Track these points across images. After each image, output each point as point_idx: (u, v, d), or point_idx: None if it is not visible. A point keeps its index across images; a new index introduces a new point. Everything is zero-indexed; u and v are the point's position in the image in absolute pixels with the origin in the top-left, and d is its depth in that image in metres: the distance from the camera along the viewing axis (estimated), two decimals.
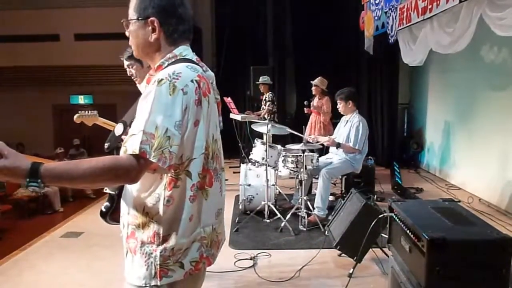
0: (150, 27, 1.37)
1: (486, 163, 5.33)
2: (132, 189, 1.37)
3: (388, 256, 2.61)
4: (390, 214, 2.49)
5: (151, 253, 1.32)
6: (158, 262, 1.31)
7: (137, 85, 1.91)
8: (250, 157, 4.80)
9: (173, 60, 1.38)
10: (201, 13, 9.38)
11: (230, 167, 7.34)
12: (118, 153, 1.27)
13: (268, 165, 4.48)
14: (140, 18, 1.37)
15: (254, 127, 4.89)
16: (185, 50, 1.42)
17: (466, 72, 5.99)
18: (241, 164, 5.35)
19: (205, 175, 1.37)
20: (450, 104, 6.63)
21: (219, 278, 3.21)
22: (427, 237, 1.90)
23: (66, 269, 3.55)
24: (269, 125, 4.54)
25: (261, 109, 6.96)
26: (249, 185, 4.73)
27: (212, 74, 1.53)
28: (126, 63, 3.01)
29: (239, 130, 7.16)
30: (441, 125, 6.82)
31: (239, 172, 5.19)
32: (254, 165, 4.76)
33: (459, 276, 1.91)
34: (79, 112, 2.21)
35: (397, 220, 2.35)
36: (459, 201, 4.78)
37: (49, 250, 4.02)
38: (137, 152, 1.17)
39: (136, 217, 1.36)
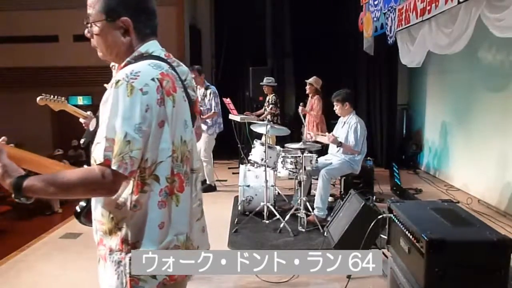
0: (120, 27, 1.30)
1: (485, 164, 5.33)
2: None
3: (387, 257, 2.61)
4: (389, 215, 2.49)
5: (120, 261, 1.26)
6: (128, 271, 1.25)
7: (105, 85, 1.90)
8: (249, 158, 4.80)
9: (138, 58, 1.31)
10: (200, 14, 9.38)
11: (229, 168, 7.35)
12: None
13: (267, 166, 4.48)
14: (109, 19, 1.28)
15: (253, 128, 4.89)
16: (152, 46, 1.35)
17: (465, 73, 6.00)
18: (240, 165, 5.36)
19: (174, 180, 1.30)
20: (448, 105, 6.64)
21: (218, 280, 3.21)
22: (426, 238, 1.90)
23: (65, 270, 3.55)
24: (268, 126, 4.54)
25: (264, 110, 6.96)
26: (248, 186, 4.73)
27: (186, 69, 1.46)
28: None
29: (238, 131, 7.16)
30: (440, 126, 6.82)
31: (238, 173, 5.19)
32: (253, 166, 4.76)
33: (458, 277, 1.91)
34: (43, 94, 2.18)
35: (396, 221, 2.35)
36: (458, 202, 4.82)
37: (48, 251, 4.01)
38: (101, 160, 1.14)
39: (103, 222, 1.30)
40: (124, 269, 1.25)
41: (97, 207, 1.32)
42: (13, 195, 1.15)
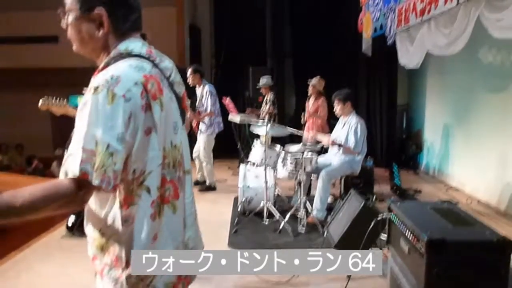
0: (95, 20, 1.19)
1: (484, 164, 5.33)
2: (89, 206, 1.24)
3: (387, 257, 2.61)
4: (389, 215, 2.50)
5: (118, 278, 1.19)
6: None
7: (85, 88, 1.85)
8: (249, 158, 4.80)
9: (117, 58, 1.20)
10: (200, 14, 9.38)
11: (229, 168, 7.35)
12: None
13: (267, 166, 4.48)
14: (83, 9, 1.19)
15: (253, 128, 4.89)
16: (131, 43, 1.23)
17: (464, 74, 6.00)
18: (240, 165, 5.36)
19: (168, 188, 1.23)
20: (448, 106, 6.64)
21: (219, 279, 3.22)
22: (426, 238, 1.91)
23: (66, 270, 3.54)
24: (268, 126, 4.54)
25: (261, 109, 6.95)
26: (248, 186, 4.73)
27: (170, 65, 1.33)
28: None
29: (238, 131, 7.16)
30: (440, 127, 6.83)
31: (238, 173, 5.19)
32: (253, 166, 4.76)
33: (458, 277, 1.92)
34: (45, 97, 2.11)
35: (396, 221, 2.36)
36: (458, 202, 4.82)
37: (48, 251, 4.01)
38: (77, 174, 1.03)
39: (94, 238, 1.23)
40: (122, 287, 1.20)
41: (89, 221, 1.25)
42: None
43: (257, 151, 4.68)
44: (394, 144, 7.86)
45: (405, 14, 5.17)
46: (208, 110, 5.67)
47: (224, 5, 8.98)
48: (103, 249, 1.21)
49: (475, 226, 2.14)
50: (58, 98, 2.13)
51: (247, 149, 6.09)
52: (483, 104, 5.48)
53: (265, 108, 6.72)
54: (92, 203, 1.22)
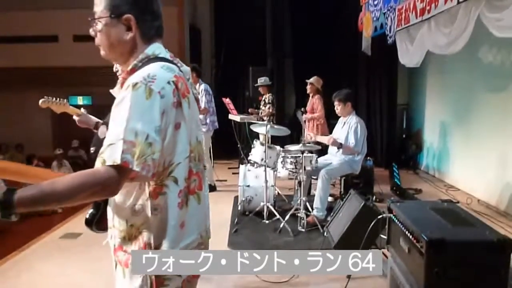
0: (124, 25, 1.29)
1: (484, 164, 5.33)
2: (114, 199, 1.31)
3: (387, 257, 2.61)
4: (389, 215, 2.50)
5: None
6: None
7: (110, 90, 1.85)
8: (249, 158, 4.80)
9: (145, 60, 1.29)
10: (200, 14, 9.39)
11: (229, 168, 7.34)
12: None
13: (267, 166, 4.48)
14: (113, 16, 1.28)
15: (253, 128, 4.89)
16: (157, 48, 1.34)
17: (464, 73, 6.00)
18: (240, 165, 5.36)
19: (194, 179, 1.34)
20: (448, 105, 6.64)
21: (219, 279, 3.21)
22: (426, 238, 1.91)
23: (65, 270, 3.55)
24: (268, 126, 4.54)
25: (260, 109, 6.95)
26: (248, 186, 4.73)
27: (188, 68, 1.45)
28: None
29: (238, 131, 7.15)
30: (440, 126, 6.83)
31: (238, 173, 5.19)
32: (253, 166, 4.76)
33: (458, 277, 1.92)
34: (45, 97, 2.16)
35: (396, 221, 2.36)
36: (458, 202, 4.82)
37: (48, 251, 4.01)
38: (118, 162, 1.10)
39: (121, 230, 1.30)
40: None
41: (115, 213, 1.32)
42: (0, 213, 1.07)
43: (257, 151, 4.67)
44: (394, 143, 7.86)
45: (405, 13, 5.16)
46: (202, 107, 5.68)
47: (224, 5, 8.98)
48: (130, 238, 1.28)
49: (475, 225, 2.14)
50: (58, 98, 2.14)
51: (247, 149, 6.09)
52: (483, 103, 5.47)
53: (265, 108, 6.72)
54: (118, 196, 1.27)
